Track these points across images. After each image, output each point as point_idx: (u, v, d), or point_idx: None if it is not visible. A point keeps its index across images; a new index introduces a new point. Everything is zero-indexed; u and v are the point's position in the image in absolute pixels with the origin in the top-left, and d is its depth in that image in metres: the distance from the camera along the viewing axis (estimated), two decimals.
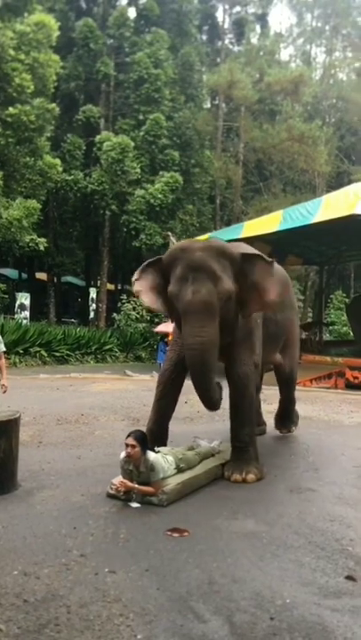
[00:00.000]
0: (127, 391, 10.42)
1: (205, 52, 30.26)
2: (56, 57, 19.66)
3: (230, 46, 33.00)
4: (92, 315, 25.07)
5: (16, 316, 20.99)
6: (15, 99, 18.09)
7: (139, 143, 23.32)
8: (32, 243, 19.38)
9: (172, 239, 17.69)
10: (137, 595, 2.91)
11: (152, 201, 22.36)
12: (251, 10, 33.96)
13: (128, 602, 2.84)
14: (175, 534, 3.73)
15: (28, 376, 14.25)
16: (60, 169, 20.86)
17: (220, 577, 3.14)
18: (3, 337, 7.23)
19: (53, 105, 19.68)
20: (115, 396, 9.89)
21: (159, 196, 22.37)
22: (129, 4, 27.45)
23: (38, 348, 17.59)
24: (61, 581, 3.04)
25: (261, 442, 6.20)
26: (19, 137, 18.68)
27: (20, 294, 22.44)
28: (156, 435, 5.26)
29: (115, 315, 23.00)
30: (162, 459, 4.49)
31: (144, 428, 5.40)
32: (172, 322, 6.01)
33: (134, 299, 23.03)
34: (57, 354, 18.28)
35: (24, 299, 21.78)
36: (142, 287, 5.17)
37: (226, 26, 32.18)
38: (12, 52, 17.73)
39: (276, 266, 6.57)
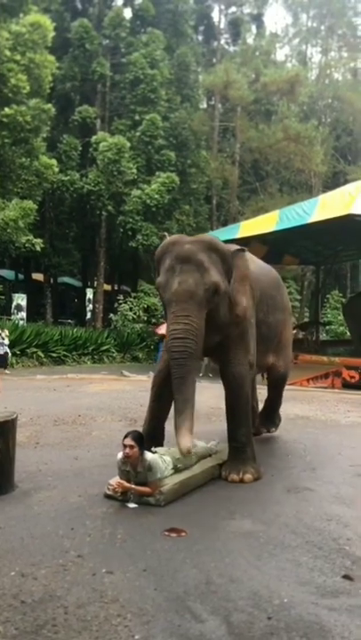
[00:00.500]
0: (124, 392, 10.42)
1: (201, 53, 30.27)
2: (52, 57, 19.63)
3: (226, 46, 33.03)
4: (88, 315, 25.06)
5: (13, 316, 20.96)
6: (11, 99, 18.06)
7: (135, 144, 23.32)
8: (28, 243, 19.34)
9: None
10: (134, 595, 2.91)
11: (148, 201, 22.36)
12: (246, 10, 33.98)
13: (126, 602, 2.84)
14: (173, 534, 3.73)
15: (24, 377, 14.24)
16: (57, 169, 20.83)
17: (218, 577, 3.14)
18: None
19: (49, 105, 19.66)
20: (112, 397, 9.88)
21: (155, 196, 22.37)
22: (124, 5, 27.43)
23: (35, 349, 17.59)
24: (59, 582, 3.04)
25: (258, 442, 6.21)
26: (14, 137, 18.65)
27: (17, 295, 22.41)
28: (152, 435, 5.26)
29: (111, 315, 22.99)
30: (159, 459, 4.49)
31: (141, 429, 5.41)
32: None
33: (131, 299, 23.08)
34: (54, 354, 18.27)
35: (20, 300, 21.75)
36: None
37: (222, 26, 32.20)
38: (7, 53, 17.70)
39: (267, 266, 6.61)
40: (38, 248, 19.86)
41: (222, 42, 32.55)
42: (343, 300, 27.31)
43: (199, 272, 4.60)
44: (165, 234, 5.81)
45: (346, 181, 23.93)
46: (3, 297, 23.37)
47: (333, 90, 30.21)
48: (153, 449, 4.67)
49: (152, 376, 5.89)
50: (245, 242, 17.19)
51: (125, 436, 4.39)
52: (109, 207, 23.11)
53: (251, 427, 5.39)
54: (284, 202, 22.94)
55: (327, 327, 27.59)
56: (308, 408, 9.38)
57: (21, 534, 3.66)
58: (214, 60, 30.06)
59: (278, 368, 6.85)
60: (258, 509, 4.29)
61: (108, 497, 4.39)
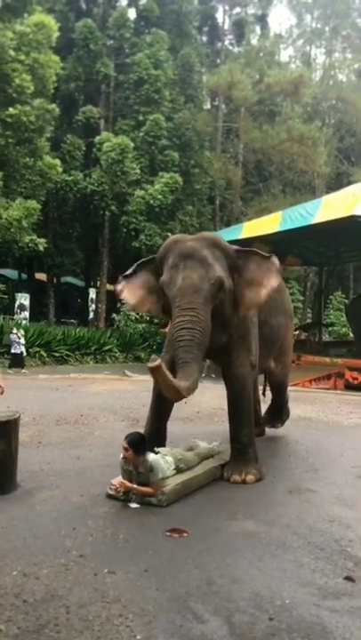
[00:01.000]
0: (126, 392, 10.43)
1: (205, 53, 30.28)
2: (56, 58, 19.66)
3: (230, 47, 33.01)
4: (91, 315, 25.06)
5: (16, 316, 20.99)
6: (15, 99, 18.09)
7: (138, 144, 23.33)
8: (32, 243, 19.37)
9: None
10: (136, 595, 2.92)
11: (152, 202, 22.37)
12: (251, 11, 33.99)
13: (127, 602, 2.84)
14: (174, 535, 3.73)
15: (27, 376, 14.26)
16: (60, 169, 20.85)
17: (220, 577, 3.15)
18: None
19: (53, 105, 19.69)
20: (114, 397, 9.89)
21: (159, 196, 22.37)
22: (129, 5, 27.48)
23: (38, 349, 17.59)
24: (61, 582, 3.04)
25: (261, 443, 6.20)
26: (19, 137, 18.68)
27: (20, 295, 22.43)
28: (154, 436, 5.26)
29: (114, 315, 23.01)
30: (161, 459, 4.49)
31: (143, 429, 5.41)
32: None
33: None
34: (56, 354, 18.28)
35: (24, 299, 21.78)
36: (128, 286, 5.15)
37: (226, 27, 32.19)
38: (11, 53, 17.73)
39: None
40: (41, 248, 19.89)
41: (226, 42, 32.55)
42: (346, 301, 27.28)
43: (203, 267, 4.59)
44: (168, 234, 5.83)
45: (349, 182, 23.91)
46: (6, 296, 23.42)
47: (337, 91, 30.18)
48: (155, 449, 4.67)
49: None
50: (248, 242, 17.25)
51: (125, 438, 4.41)
52: (113, 207, 23.12)
53: (253, 428, 5.39)
54: (288, 203, 22.94)
55: (330, 328, 27.56)
56: (310, 409, 9.37)
57: (23, 534, 3.67)
58: (218, 61, 30.08)
59: (276, 374, 6.79)
60: (260, 510, 4.29)
61: (110, 497, 4.39)
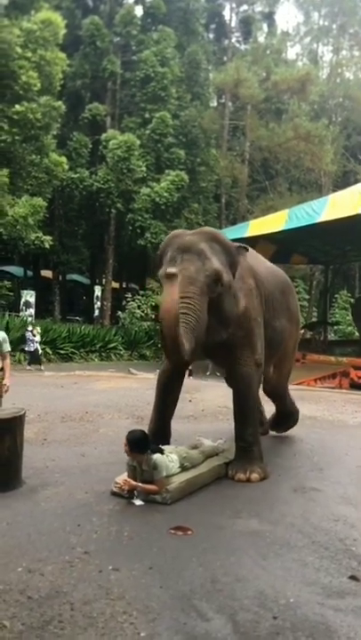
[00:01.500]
0: (131, 389, 10.44)
1: (212, 51, 30.22)
2: (62, 55, 19.65)
3: (237, 45, 32.93)
4: (96, 313, 25.10)
5: (21, 313, 21.04)
6: (22, 96, 18.10)
7: (144, 141, 23.32)
8: (37, 240, 19.40)
9: None
10: (140, 592, 2.92)
11: (157, 199, 22.36)
12: (258, 8, 33.90)
13: (132, 599, 2.85)
14: (179, 532, 3.73)
15: (32, 373, 14.30)
16: (66, 167, 20.86)
17: (224, 575, 3.15)
18: (8, 335, 7.21)
19: (60, 103, 19.68)
20: (119, 394, 9.90)
21: (165, 194, 22.37)
22: (136, 2, 27.42)
23: (43, 346, 17.64)
24: (65, 578, 3.05)
25: (265, 441, 6.20)
26: (25, 135, 18.69)
27: (26, 292, 22.48)
28: (158, 434, 5.26)
29: (119, 313, 23.04)
30: (164, 457, 4.50)
31: (147, 427, 5.42)
32: None
33: (139, 297, 23.11)
34: (61, 352, 18.32)
35: (29, 296, 21.82)
36: None
37: (233, 24, 32.10)
38: (18, 50, 17.73)
39: (277, 270, 6.39)
40: (47, 245, 19.92)
41: (233, 40, 32.47)
42: (352, 300, 27.21)
43: (200, 260, 4.55)
44: None
45: (356, 181, 23.85)
46: (11, 294, 23.47)
47: (344, 89, 30.06)
48: (160, 447, 4.67)
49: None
50: (254, 241, 17.22)
51: (126, 436, 4.42)
52: (118, 205, 23.13)
53: (258, 426, 5.39)
54: (294, 201, 22.88)
55: (335, 327, 27.50)
56: (315, 408, 9.35)
57: (28, 530, 3.68)
58: (225, 59, 30.00)
59: (271, 381, 6.43)
60: (264, 509, 4.28)
61: (114, 494, 4.40)
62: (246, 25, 32.21)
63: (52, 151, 20.31)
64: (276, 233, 15.90)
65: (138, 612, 2.73)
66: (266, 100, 26.89)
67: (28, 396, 8.91)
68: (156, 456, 4.40)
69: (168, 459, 4.55)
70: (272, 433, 7.12)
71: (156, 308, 21.86)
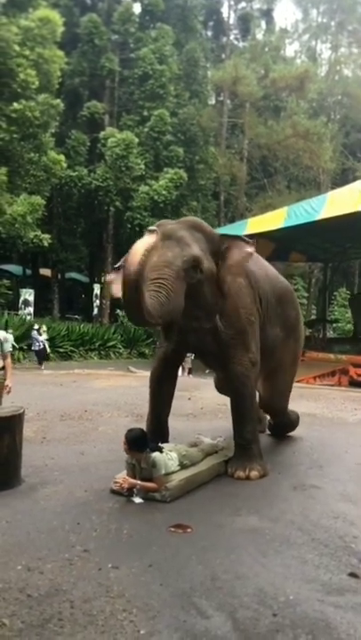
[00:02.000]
0: (130, 387, 10.43)
1: (210, 48, 30.21)
2: (60, 53, 19.63)
3: (235, 42, 32.93)
4: (95, 311, 25.10)
5: (20, 312, 21.04)
6: (20, 94, 18.08)
7: (143, 139, 23.30)
8: (36, 239, 19.40)
9: None
10: (140, 590, 2.92)
11: (156, 197, 22.34)
12: (256, 5, 33.94)
13: (131, 597, 2.84)
14: (178, 530, 3.73)
15: (31, 372, 14.30)
16: (65, 165, 20.85)
17: (223, 573, 3.14)
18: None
19: (58, 101, 19.66)
20: (118, 393, 9.90)
21: (163, 192, 22.35)
22: (134, 0, 27.40)
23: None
24: (65, 576, 3.05)
25: (265, 439, 6.20)
26: (23, 133, 18.67)
27: (24, 290, 22.49)
28: (155, 432, 5.25)
29: (118, 311, 23.03)
30: (163, 455, 4.49)
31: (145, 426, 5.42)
32: None
33: None
34: (61, 350, 18.33)
35: (28, 295, 21.83)
36: (118, 278, 4.71)
37: (231, 21, 32.13)
38: (16, 48, 17.70)
39: (280, 278, 6.19)
40: (46, 243, 19.92)
41: (232, 37, 32.48)
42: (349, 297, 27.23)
43: (179, 246, 4.50)
44: None
45: (355, 178, 23.85)
46: (10, 292, 23.47)
47: (343, 86, 30.08)
48: (160, 445, 4.67)
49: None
50: (253, 238, 17.20)
51: (125, 435, 4.41)
52: (117, 203, 23.11)
53: (256, 424, 5.37)
54: (293, 199, 22.88)
55: (334, 325, 27.50)
56: (314, 406, 9.35)
57: (28, 529, 3.68)
58: (223, 56, 29.98)
59: (262, 397, 6.08)
60: (264, 506, 4.28)
61: (114, 492, 4.39)
62: (244, 22, 32.20)
63: (51, 149, 20.30)
64: (274, 231, 15.89)
65: (138, 610, 2.73)
66: (264, 97, 26.90)
67: (28, 394, 8.90)
68: (155, 454, 4.40)
69: (167, 457, 4.55)
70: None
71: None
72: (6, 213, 18.00)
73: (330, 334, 25.13)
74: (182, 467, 4.72)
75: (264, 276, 5.66)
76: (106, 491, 4.45)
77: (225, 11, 32.48)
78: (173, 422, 5.70)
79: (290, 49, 36.02)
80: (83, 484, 4.64)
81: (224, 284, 4.81)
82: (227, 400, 5.63)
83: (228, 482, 4.93)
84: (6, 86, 17.97)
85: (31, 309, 21.48)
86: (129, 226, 22.94)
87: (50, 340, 18.02)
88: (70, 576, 3.05)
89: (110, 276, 5.17)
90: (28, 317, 20.41)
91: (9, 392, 5.85)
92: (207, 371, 15.51)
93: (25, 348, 17.06)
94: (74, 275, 32.58)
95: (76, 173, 22.99)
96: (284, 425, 6.71)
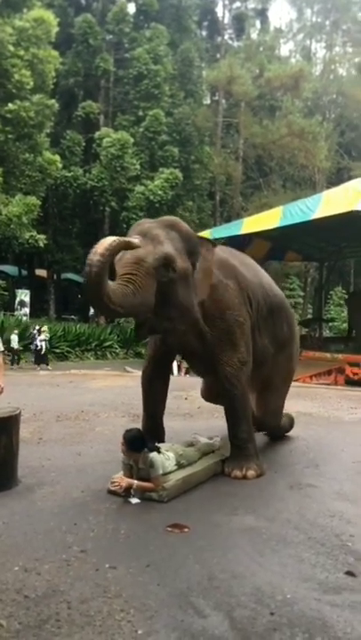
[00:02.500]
0: (127, 388, 10.42)
1: (205, 48, 30.23)
2: (55, 53, 19.63)
3: (230, 42, 32.96)
4: (91, 311, 25.07)
5: (16, 312, 21.02)
6: (14, 95, 18.06)
7: (138, 139, 23.30)
8: (32, 239, 19.38)
9: None
10: (137, 590, 2.92)
11: (152, 197, 22.34)
12: (250, 5, 33.97)
13: (129, 597, 2.84)
14: (175, 530, 3.73)
15: (28, 373, 14.28)
16: (60, 165, 20.83)
17: (221, 572, 3.15)
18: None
19: (53, 101, 19.65)
20: (115, 393, 9.89)
21: (159, 192, 22.35)
22: (128, 0, 27.39)
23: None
24: (62, 577, 3.04)
25: (261, 438, 6.20)
26: (18, 133, 18.66)
27: (20, 291, 22.47)
28: (151, 432, 5.23)
29: None
30: (160, 455, 4.49)
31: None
32: None
33: None
34: (57, 350, 18.31)
35: (24, 295, 21.79)
36: None
37: (226, 21, 32.16)
38: (11, 48, 17.70)
39: (276, 291, 6.06)
40: (41, 244, 19.90)
41: (226, 37, 32.50)
42: (346, 296, 27.27)
43: (152, 244, 4.42)
44: None
45: (350, 177, 23.88)
46: (6, 293, 23.44)
47: (338, 85, 30.14)
48: (157, 445, 4.67)
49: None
50: (249, 238, 17.23)
51: (123, 435, 4.40)
52: (113, 203, 23.10)
53: (251, 423, 5.35)
54: (288, 198, 22.92)
55: (330, 324, 27.54)
56: (310, 405, 9.36)
57: (25, 529, 3.67)
58: (218, 56, 30.01)
59: (254, 417, 5.71)
60: (261, 505, 4.29)
61: (111, 493, 4.39)
62: (239, 22, 32.23)
63: (46, 149, 20.29)
64: (270, 230, 15.91)
65: (135, 610, 2.73)
66: (259, 96, 26.92)
67: (24, 395, 8.89)
68: (153, 454, 4.39)
69: (164, 456, 4.55)
70: None
71: None
72: (1, 214, 17.98)
73: (326, 333, 25.17)
74: (179, 466, 4.72)
75: (257, 283, 5.57)
76: (103, 491, 4.45)
77: (219, 10, 32.58)
78: (170, 422, 5.69)
79: (284, 48, 36.13)
80: (80, 484, 4.63)
81: (197, 286, 4.74)
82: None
83: (225, 481, 4.93)
84: (1, 87, 17.96)
85: (27, 310, 21.45)
86: (125, 226, 22.89)
87: (46, 340, 18.01)
88: (67, 577, 3.05)
89: None
90: (24, 318, 20.38)
91: (1, 391, 5.79)
92: None
93: (21, 348, 17.03)
94: (70, 275, 32.53)
95: (72, 174, 22.97)
96: (278, 435, 6.64)
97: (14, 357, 16.23)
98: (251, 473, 4.97)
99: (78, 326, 20.99)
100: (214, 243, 5.08)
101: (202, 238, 5.09)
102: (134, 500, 4.25)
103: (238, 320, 5.07)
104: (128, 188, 22.84)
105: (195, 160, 25.83)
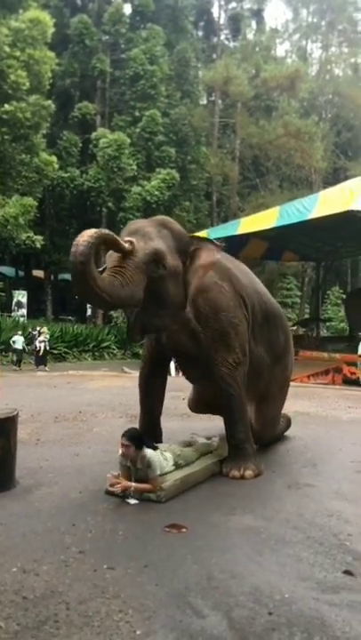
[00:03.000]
0: (125, 388, 10.42)
1: (201, 48, 30.24)
2: (51, 54, 19.62)
3: (226, 42, 32.99)
4: (89, 312, 25.06)
5: (13, 313, 20.99)
6: (11, 96, 18.05)
7: (135, 140, 23.30)
8: (28, 240, 19.36)
9: None
10: (136, 591, 2.92)
11: (149, 198, 22.34)
12: (246, 5, 34.00)
13: (127, 598, 2.84)
14: (173, 530, 3.73)
15: (25, 374, 14.26)
16: (56, 166, 20.83)
17: (219, 572, 3.15)
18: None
19: (49, 102, 19.64)
20: (112, 393, 9.89)
21: (156, 192, 22.35)
22: (124, 1, 27.37)
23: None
24: (60, 578, 3.04)
25: None
26: (14, 134, 18.64)
27: (17, 292, 22.43)
28: (148, 433, 5.22)
29: (112, 312, 22.98)
30: (158, 455, 4.49)
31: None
32: None
33: None
34: (54, 351, 18.27)
35: (21, 296, 21.77)
36: None
37: (222, 21, 32.21)
38: (7, 49, 17.69)
39: (271, 299, 6.04)
40: (38, 245, 19.88)
41: (222, 37, 32.55)
42: (343, 296, 27.30)
43: (143, 241, 4.47)
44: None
45: (346, 177, 23.93)
46: (3, 294, 23.40)
47: (334, 85, 30.18)
48: (154, 445, 4.67)
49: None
50: (246, 238, 17.25)
51: (123, 435, 4.39)
52: (110, 204, 23.09)
53: (248, 423, 5.34)
54: (285, 198, 22.93)
55: (327, 323, 27.57)
56: (308, 404, 9.38)
57: (23, 530, 3.67)
58: (214, 56, 30.02)
59: (253, 429, 5.53)
60: (259, 505, 4.29)
61: (108, 493, 4.39)
62: (235, 22, 32.26)
63: (42, 150, 20.27)
64: (267, 230, 15.93)
65: (133, 611, 2.72)
66: (256, 97, 26.95)
67: (21, 396, 8.89)
68: (150, 454, 4.39)
69: (162, 457, 4.55)
70: None
71: None
72: None
73: (323, 333, 25.20)
74: (177, 467, 4.72)
75: (253, 288, 5.58)
76: (101, 492, 4.44)
77: (215, 11, 32.60)
78: (167, 422, 5.70)
79: (280, 49, 36.16)
80: (78, 485, 4.63)
81: (189, 284, 4.74)
82: None
83: (223, 481, 4.93)
84: None
85: (24, 311, 21.42)
86: (122, 227, 22.68)
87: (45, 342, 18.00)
88: (66, 577, 3.05)
89: None
90: (22, 319, 20.35)
91: None
92: None
93: (27, 350, 17.05)
94: (67, 276, 32.39)
95: (68, 174, 22.96)
96: (276, 440, 6.58)
97: (18, 359, 16.19)
98: (249, 473, 4.97)
99: (76, 327, 20.97)
100: (218, 245, 5.03)
101: (202, 239, 5.10)
102: (132, 501, 4.25)
103: (233, 321, 5.06)
104: (125, 189, 22.83)
105: (191, 160, 25.84)
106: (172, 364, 11.19)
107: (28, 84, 18.15)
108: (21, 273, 30.11)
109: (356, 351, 15.53)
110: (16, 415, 4.74)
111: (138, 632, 2.55)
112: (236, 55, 27.93)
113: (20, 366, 15.98)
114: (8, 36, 17.92)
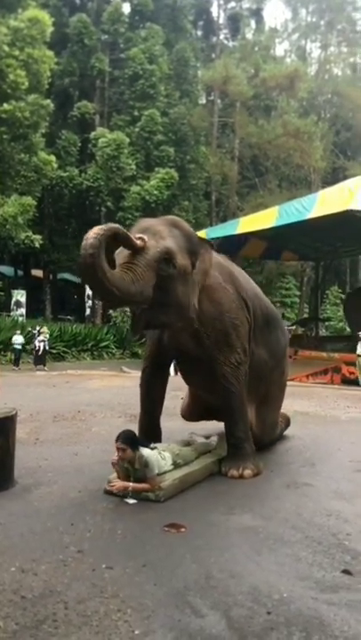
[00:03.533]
0: (124, 388, 10.42)
1: (200, 48, 30.23)
2: (50, 53, 19.61)
3: (225, 42, 32.98)
4: (88, 311, 25.05)
5: (12, 313, 20.98)
6: (9, 95, 18.04)
7: (134, 139, 23.29)
8: (27, 240, 19.35)
9: None
10: (134, 590, 2.92)
11: (148, 197, 22.34)
12: (245, 5, 34.00)
13: (126, 597, 2.84)
14: (172, 530, 3.73)
15: (25, 373, 14.26)
16: (55, 165, 20.82)
17: (218, 572, 3.15)
18: None
19: (48, 101, 19.63)
20: (111, 393, 9.89)
21: (155, 192, 22.35)
22: (123, 0, 27.38)
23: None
24: (59, 577, 3.04)
25: None
26: (13, 133, 18.63)
27: (16, 291, 22.42)
28: (148, 432, 5.24)
29: (111, 311, 23.00)
30: (155, 454, 4.49)
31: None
32: None
33: None
34: (53, 351, 18.27)
35: (20, 296, 21.76)
36: None
37: (221, 21, 32.19)
38: (5, 49, 17.68)
39: (268, 303, 6.08)
40: (37, 244, 19.87)
41: (221, 37, 32.54)
42: (343, 296, 27.32)
43: (154, 239, 4.45)
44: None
45: (345, 177, 23.91)
46: (2, 293, 23.39)
47: (333, 85, 30.19)
48: (153, 445, 4.67)
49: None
50: (245, 238, 17.25)
51: (116, 439, 4.36)
52: (109, 203, 23.09)
53: (248, 423, 5.35)
54: (284, 198, 22.92)
55: (327, 323, 27.59)
56: (307, 404, 9.38)
57: (21, 530, 3.67)
58: (213, 56, 30.02)
59: (254, 433, 5.51)
60: (257, 505, 4.29)
61: (107, 493, 4.39)
62: (234, 22, 32.26)
63: (41, 150, 20.26)
64: (266, 230, 15.93)
65: (132, 610, 2.72)
66: (255, 96, 26.94)
67: (20, 395, 8.89)
68: (147, 454, 4.39)
69: (161, 456, 4.55)
70: None
71: None
72: None
73: (322, 332, 25.21)
74: (176, 466, 4.72)
75: (254, 294, 5.63)
76: (100, 491, 4.44)
77: (214, 10, 32.60)
78: (167, 422, 5.70)
79: (280, 48, 36.14)
80: (76, 484, 4.63)
81: (196, 285, 4.77)
82: None
83: (222, 481, 4.93)
84: None
85: (23, 310, 21.41)
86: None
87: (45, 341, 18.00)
88: (64, 577, 3.05)
89: None
90: (21, 319, 20.34)
91: None
92: None
93: (25, 349, 17.05)
94: (66, 275, 32.49)
95: (67, 174, 22.95)
96: (275, 441, 6.59)
97: (17, 358, 16.20)
98: (247, 472, 4.97)
99: (75, 326, 20.96)
100: (212, 244, 5.12)
101: (200, 239, 5.12)
102: (131, 501, 4.25)
103: (235, 322, 5.10)
104: (124, 188, 22.83)
105: (190, 160, 25.83)
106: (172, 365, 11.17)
107: (26, 83, 18.14)
108: (20, 272, 30.10)
109: (354, 351, 15.54)
110: (15, 414, 4.74)
111: (136, 631, 2.55)
112: (236, 55, 27.92)
113: (18, 365, 15.97)
114: (7, 35, 17.91)
